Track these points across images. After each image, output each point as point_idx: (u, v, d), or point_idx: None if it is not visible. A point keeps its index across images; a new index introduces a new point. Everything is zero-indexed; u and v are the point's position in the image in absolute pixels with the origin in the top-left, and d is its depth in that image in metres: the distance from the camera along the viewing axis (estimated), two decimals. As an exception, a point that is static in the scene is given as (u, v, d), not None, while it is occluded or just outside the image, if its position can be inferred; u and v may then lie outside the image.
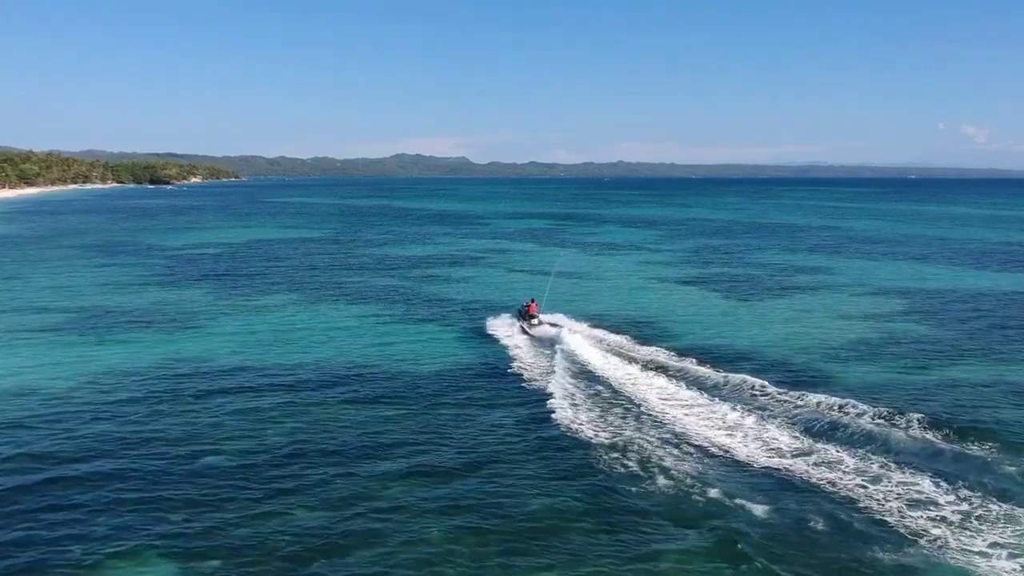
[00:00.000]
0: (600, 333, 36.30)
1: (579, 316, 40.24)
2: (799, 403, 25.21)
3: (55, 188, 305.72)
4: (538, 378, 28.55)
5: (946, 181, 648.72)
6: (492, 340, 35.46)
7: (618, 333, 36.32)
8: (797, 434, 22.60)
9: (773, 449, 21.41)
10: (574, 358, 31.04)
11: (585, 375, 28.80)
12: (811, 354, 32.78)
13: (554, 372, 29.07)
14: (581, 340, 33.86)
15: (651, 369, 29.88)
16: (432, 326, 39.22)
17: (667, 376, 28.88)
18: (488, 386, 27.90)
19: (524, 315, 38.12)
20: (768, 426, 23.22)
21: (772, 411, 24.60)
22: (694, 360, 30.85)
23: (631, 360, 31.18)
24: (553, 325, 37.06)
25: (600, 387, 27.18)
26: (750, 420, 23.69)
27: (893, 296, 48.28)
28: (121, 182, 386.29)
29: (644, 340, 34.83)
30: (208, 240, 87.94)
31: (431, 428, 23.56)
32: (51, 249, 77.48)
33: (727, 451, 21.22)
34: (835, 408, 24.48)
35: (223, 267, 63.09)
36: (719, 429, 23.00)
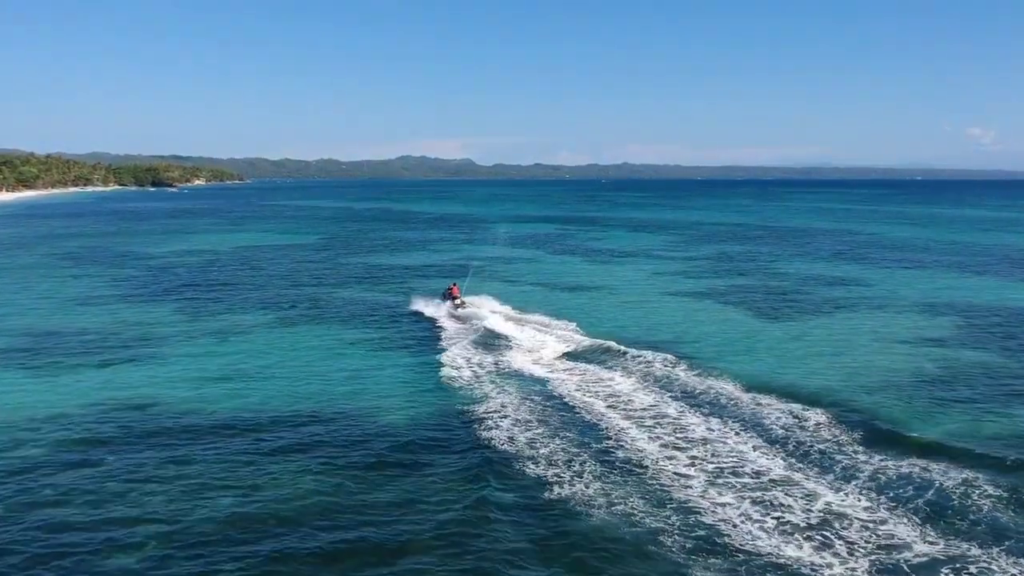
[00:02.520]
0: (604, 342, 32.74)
1: (592, 332, 36.17)
2: (885, 468, 19.67)
3: (55, 191, 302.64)
4: (530, 427, 23.40)
5: (953, 182, 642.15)
6: (467, 386, 29.30)
7: (634, 348, 31.76)
8: (912, 529, 16.29)
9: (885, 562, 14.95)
10: (561, 397, 26.23)
11: (582, 419, 23.79)
12: (871, 391, 27.29)
13: (548, 421, 23.95)
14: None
15: (680, 401, 25.07)
16: (415, 354, 34.02)
17: (695, 411, 24.00)
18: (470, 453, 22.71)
19: (448, 297, 42.82)
20: (858, 511, 17.31)
21: (857, 481, 18.83)
22: (728, 392, 26.01)
23: (648, 387, 26.62)
24: (478, 308, 41.30)
25: (609, 442, 21.89)
26: (827, 499, 17.74)
27: (944, 313, 42.91)
28: (123, 184, 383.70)
29: (665, 363, 29.93)
30: (193, 247, 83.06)
31: (393, 498, 18.46)
32: (22, 257, 72.83)
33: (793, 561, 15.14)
34: (952, 485, 18.45)
35: (199, 279, 58.10)
36: (798, 534, 16.80)
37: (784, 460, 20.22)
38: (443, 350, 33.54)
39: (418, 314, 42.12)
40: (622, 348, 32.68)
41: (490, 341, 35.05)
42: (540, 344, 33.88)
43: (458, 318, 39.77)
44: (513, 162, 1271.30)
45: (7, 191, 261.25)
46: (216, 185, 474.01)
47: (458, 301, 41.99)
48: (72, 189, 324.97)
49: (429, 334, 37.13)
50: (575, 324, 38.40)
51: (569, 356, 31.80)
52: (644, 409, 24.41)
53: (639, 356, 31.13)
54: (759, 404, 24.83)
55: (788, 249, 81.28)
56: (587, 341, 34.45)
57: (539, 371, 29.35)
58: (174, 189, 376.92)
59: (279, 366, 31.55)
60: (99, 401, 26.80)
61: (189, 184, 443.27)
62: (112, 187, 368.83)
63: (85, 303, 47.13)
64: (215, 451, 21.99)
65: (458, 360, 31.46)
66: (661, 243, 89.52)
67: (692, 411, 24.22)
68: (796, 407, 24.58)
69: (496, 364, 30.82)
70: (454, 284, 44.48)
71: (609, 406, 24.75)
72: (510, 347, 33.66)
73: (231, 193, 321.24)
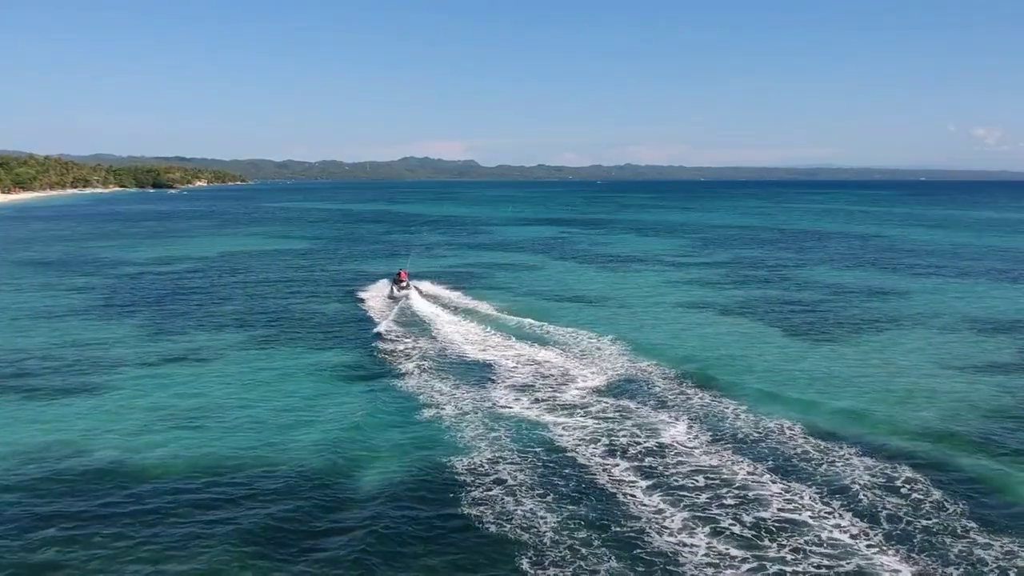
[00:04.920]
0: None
1: (608, 355, 31.71)
2: (1015, 556, 14.88)
3: (52, 192, 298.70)
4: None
5: (960, 183, 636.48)
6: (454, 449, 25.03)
7: (665, 377, 27.29)
8: None
9: None
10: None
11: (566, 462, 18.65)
12: (956, 434, 22.31)
13: (554, 485, 18.79)
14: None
15: (735, 454, 20.16)
16: (391, 385, 28.83)
17: (755, 470, 19.05)
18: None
19: (395, 281, 48.32)
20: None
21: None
22: (789, 436, 21.34)
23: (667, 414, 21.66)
24: (419, 290, 47.76)
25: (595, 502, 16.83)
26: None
27: (1009, 331, 37.66)
28: (123, 186, 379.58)
29: (704, 398, 24.94)
30: (176, 253, 78.01)
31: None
32: (-11, 263, 68.03)
33: None
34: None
35: (170, 289, 53.09)
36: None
37: (888, 552, 15.16)
38: (424, 381, 28.32)
39: (372, 322, 39.75)
40: (650, 377, 27.70)
41: (480, 369, 29.84)
42: (543, 371, 28.80)
43: (396, 299, 45.30)
44: (516, 163, 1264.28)
45: (2, 193, 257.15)
46: (217, 186, 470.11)
47: (403, 284, 47.57)
48: (70, 191, 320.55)
49: (409, 360, 31.79)
50: (586, 345, 33.45)
51: (582, 389, 26.60)
52: (692, 471, 19.06)
53: (673, 388, 26.10)
54: (830, 453, 20.03)
55: (809, 254, 76.09)
56: (604, 368, 29.38)
57: (543, 410, 24.14)
58: (174, 191, 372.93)
59: (237, 403, 26.42)
60: (12, 451, 21.92)
61: (190, 186, 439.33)
62: (112, 189, 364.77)
63: (38, 318, 42.23)
64: (137, 528, 17.06)
65: (438, 397, 26.03)
66: (673, 248, 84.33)
67: (750, 469, 19.15)
68: (879, 459, 19.72)
69: (485, 398, 25.63)
70: (402, 270, 50.53)
71: (638, 466, 19.49)
72: (504, 375, 28.57)
73: (230, 195, 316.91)
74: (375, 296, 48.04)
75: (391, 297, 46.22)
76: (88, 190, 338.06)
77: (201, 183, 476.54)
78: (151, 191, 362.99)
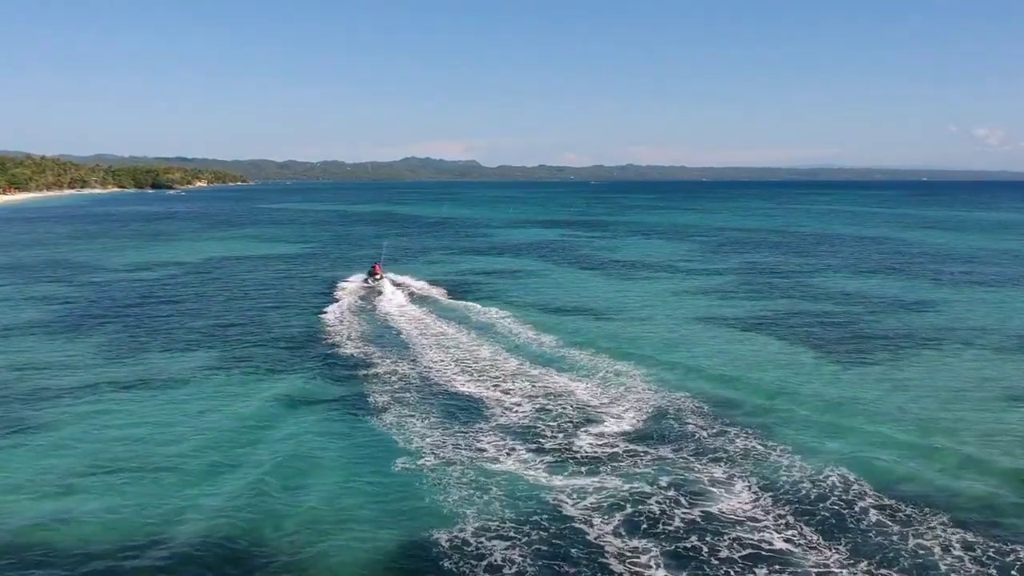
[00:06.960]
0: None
1: (627, 383, 26.99)
2: None
3: (49, 193, 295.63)
4: None
5: (963, 184, 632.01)
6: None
7: (696, 410, 23.62)
8: None
9: None
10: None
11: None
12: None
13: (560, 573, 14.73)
14: None
15: (802, 523, 16.00)
16: (364, 425, 24.62)
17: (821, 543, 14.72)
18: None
19: (370, 274, 52.12)
20: None
21: None
22: (858, 497, 17.18)
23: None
24: (394, 283, 50.91)
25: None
26: None
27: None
28: (122, 186, 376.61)
29: (747, 440, 20.79)
30: (156, 258, 73.79)
31: None
32: (-43, 270, 63.93)
33: None
34: None
35: (144, 299, 48.91)
36: None
37: None
38: (402, 419, 24.01)
39: (347, 340, 36.04)
40: (680, 414, 23.58)
41: (472, 403, 25.55)
42: (549, 407, 24.62)
43: (373, 289, 49.06)
44: (518, 163, 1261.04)
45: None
46: (217, 187, 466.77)
47: (378, 276, 51.17)
48: (67, 191, 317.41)
49: (386, 389, 27.52)
50: (602, 371, 29.23)
51: (597, 434, 22.24)
52: (745, 559, 14.86)
53: (710, 427, 22.02)
54: (913, 522, 16.02)
55: (824, 259, 71.75)
56: (624, 403, 25.12)
57: (548, 465, 19.83)
58: (172, 191, 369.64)
59: (180, 447, 22.20)
60: None
61: (189, 186, 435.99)
62: (110, 189, 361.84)
63: (-12, 335, 38.17)
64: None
65: (417, 441, 21.63)
66: (681, 252, 80.00)
67: (819, 552, 15.06)
68: (977, 530, 15.61)
69: (475, 444, 21.32)
70: (376, 263, 54.51)
71: (670, 550, 15.15)
72: (500, 413, 24.36)
73: (229, 195, 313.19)
74: (353, 300, 46.49)
75: (365, 283, 50.92)
76: (86, 191, 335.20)
77: (201, 183, 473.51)
78: (150, 192, 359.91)
